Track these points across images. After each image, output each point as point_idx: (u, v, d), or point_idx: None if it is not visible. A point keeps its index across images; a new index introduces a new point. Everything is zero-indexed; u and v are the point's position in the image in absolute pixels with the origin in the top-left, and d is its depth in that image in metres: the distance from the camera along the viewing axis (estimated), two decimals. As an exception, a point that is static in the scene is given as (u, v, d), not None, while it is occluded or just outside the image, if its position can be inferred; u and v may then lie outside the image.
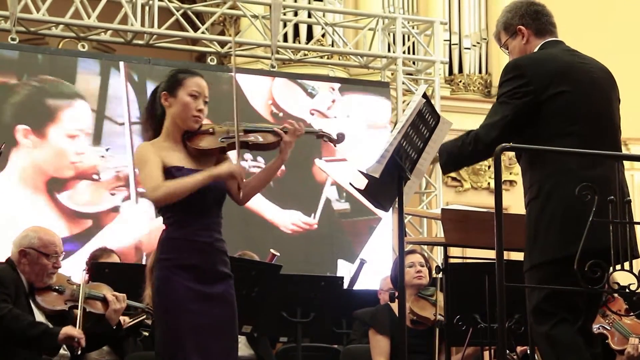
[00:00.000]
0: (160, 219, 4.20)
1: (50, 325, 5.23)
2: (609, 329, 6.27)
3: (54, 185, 9.53)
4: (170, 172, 4.12)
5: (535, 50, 4.12)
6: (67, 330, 5.15)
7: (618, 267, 3.54)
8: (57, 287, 5.39)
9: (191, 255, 4.09)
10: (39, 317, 5.33)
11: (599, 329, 6.20)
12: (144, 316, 5.58)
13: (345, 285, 7.24)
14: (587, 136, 3.89)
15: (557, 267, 3.79)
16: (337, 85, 10.98)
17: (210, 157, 4.24)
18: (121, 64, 10.02)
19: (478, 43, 13.16)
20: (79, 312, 5.29)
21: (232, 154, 4.28)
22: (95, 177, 9.68)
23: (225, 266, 4.19)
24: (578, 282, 3.49)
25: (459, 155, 4.08)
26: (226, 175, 4.11)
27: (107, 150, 9.75)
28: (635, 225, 3.74)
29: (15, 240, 5.47)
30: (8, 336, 5.08)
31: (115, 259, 6.47)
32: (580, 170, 3.79)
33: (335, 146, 4.49)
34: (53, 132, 9.58)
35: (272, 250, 7.21)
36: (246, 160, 9.22)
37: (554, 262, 3.80)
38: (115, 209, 9.73)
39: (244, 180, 4.19)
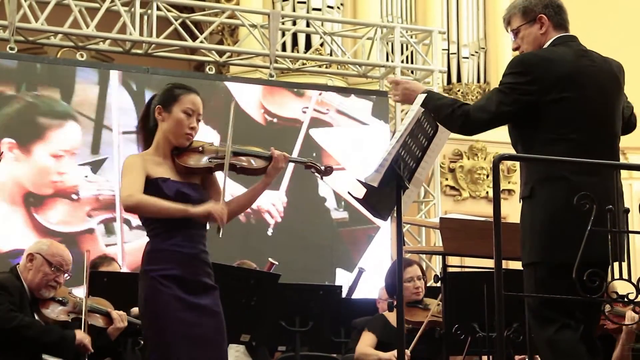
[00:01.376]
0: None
1: (58, 327, 5.30)
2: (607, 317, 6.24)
3: (32, 201, 9.46)
4: (155, 183, 4.12)
5: (548, 43, 4.08)
6: (80, 336, 5.25)
7: (616, 275, 3.55)
8: (60, 299, 5.43)
9: (175, 267, 4.08)
10: None
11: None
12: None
13: (344, 294, 7.23)
14: (585, 143, 3.88)
15: (547, 270, 3.80)
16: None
17: (196, 175, 4.26)
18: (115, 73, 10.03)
19: (476, 52, 13.18)
20: (82, 324, 5.34)
21: (219, 174, 4.29)
22: (74, 196, 9.59)
23: (209, 278, 4.19)
24: (576, 289, 3.50)
25: (445, 119, 4.07)
26: (202, 215, 4.08)
27: (92, 170, 9.69)
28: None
29: (29, 246, 5.54)
30: (24, 345, 5.14)
31: (115, 267, 6.47)
32: (572, 178, 3.80)
33: (322, 178, 4.51)
34: (38, 150, 9.54)
35: (270, 259, 7.21)
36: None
37: (543, 265, 3.81)
38: (90, 231, 9.63)
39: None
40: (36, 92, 9.68)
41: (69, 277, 5.53)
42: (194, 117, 4.21)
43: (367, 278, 8.36)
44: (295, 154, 10.37)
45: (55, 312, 5.41)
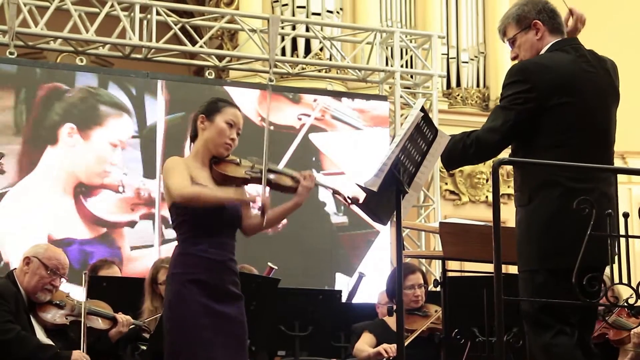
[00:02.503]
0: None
1: (54, 345, 5.25)
2: (609, 325, 6.25)
3: (82, 190, 9.62)
4: None
5: (545, 49, 4.08)
6: (77, 355, 5.19)
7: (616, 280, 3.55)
8: (57, 302, 5.42)
9: (202, 271, 4.15)
10: (39, 332, 5.33)
11: (599, 330, 6.18)
12: (133, 326, 5.61)
13: (344, 299, 7.23)
14: (581, 149, 3.88)
15: (545, 276, 3.80)
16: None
17: (232, 185, 4.33)
18: (159, 83, 10.09)
19: (476, 57, 13.19)
20: (82, 327, 5.31)
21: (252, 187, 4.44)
22: (120, 189, 9.77)
23: (236, 287, 4.26)
24: (573, 293, 3.50)
25: (460, 157, 4.11)
26: (254, 200, 4.26)
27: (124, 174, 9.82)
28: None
29: (25, 250, 5.51)
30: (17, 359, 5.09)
31: (115, 270, 6.48)
32: (568, 184, 3.80)
33: (349, 206, 4.53)
34: (97, 135, 9.71)
35: (269, 264, 7.21)
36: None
37: (540, 272, 3.81)
38: (132, 224, 9.77)
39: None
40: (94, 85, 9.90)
41: (65, 281, 5.52)
42: (234, 130, 4.36)
43: (366, 282, 8.36)
44: (287, 158, 10.38)
45: (52, 315, 5.40)
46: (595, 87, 3.97)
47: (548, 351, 3.79)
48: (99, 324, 5.48)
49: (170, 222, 4.33)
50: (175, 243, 4.31)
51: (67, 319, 5.41)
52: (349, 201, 4.40)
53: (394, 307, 4.14)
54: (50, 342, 5.31)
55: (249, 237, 4.45)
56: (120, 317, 5.50)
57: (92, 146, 9.68)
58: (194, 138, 4.41)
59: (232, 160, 4.36)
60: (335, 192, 4.48)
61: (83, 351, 5.23)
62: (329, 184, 4.53)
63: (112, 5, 10.10)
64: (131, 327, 5.59)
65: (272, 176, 4.33)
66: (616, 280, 3.57)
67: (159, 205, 9.77)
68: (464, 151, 4.05)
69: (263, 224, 4.33)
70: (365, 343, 6.25)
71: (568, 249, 3.64)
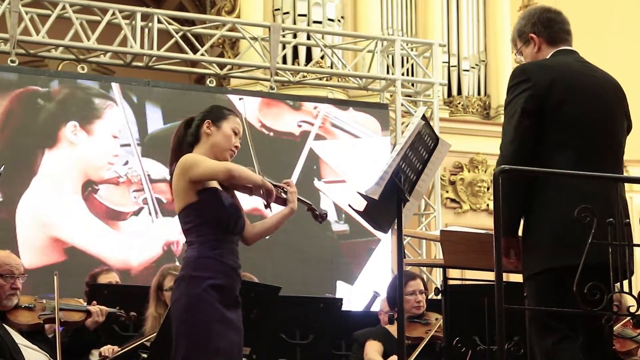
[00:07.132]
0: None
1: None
2: (615, 335, 6.25)
3: (91, 188, 9.66)
4: (208, 191, 4.23)
5: (548, 57, 4.11)
6: None
7: (617, 286, 3.54)
8: (27, 305, 5.41)
9: (221, 277, 4.17)
10: (17, 336, 5.30)
11: None
12: (136, 344, 5.58)
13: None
14: (586, 150, 3.89)
15: (549, 277, 3.79)
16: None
17: (243, 191, 4.36)
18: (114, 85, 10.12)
19: (477, 65, 13.19)
20: (56, 325, 5.30)
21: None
22: (121, 180, 9.83)
23: (240, 294, 4.29)
24: (576, 299, 3.50)
25: (508, 194, 3.72)
26: (270, 190, 4.25)
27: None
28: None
29: None
30: None
31: (114, 277, 6.48)
32: (574, 183, 3.80)
33: (319, 222, 4.61)
34: (99, 129, 9.74)
35: None
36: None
37: (545, 273, 3.81)
38: (139, 211, 9.86)
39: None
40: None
41: (26, 278, 5.46)
42: (237, 138, 4.40)
43: (367, 290, 8.35)
44: (299, 169, 10.39)
45: (25, 317, 5.40)
46: (596, 89, 4.00)
47: (551, 357, 3.78)
48: (74, 317, 5.47)
49: (183, 225, 4.29)
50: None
51: (39, 318, 5.40)
52: (319, 216, 4.52)
53: (395, 315, 4.15)
54: (22, 339, 5.30)
55: (249, 245, 4.45)
56: (94, 308, 5.49)
57: (96, 141, 9.71)
58: (193, 143, 4.38)
59: None
60: (309, 208, 4.53)
61: (59, 348, 5.21)
62: (304, 199, 4.56)
63: (113, 14, 10.12)
64: (130, 347, 5.57)
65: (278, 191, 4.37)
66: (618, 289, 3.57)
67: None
68: (498, 174, 3.69)
69: (251, 238, 4.39)
70: (374, 351, 6.20)
71: (573, 248, 3.64)
